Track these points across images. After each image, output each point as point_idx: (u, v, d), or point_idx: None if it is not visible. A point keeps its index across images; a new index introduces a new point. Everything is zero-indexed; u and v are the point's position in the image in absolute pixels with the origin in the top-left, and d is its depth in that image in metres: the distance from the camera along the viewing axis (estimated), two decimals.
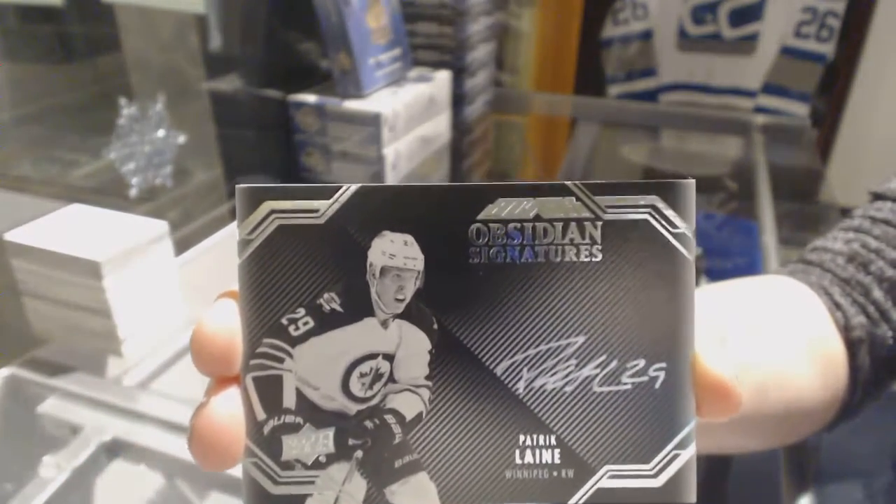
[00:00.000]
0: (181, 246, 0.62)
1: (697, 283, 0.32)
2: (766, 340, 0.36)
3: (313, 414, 0.18)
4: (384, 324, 0.18)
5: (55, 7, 0.61)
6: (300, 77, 0.88)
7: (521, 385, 0.18)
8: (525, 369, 0.18)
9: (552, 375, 0.18)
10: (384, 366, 0.18)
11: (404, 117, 0.84)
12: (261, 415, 0.18)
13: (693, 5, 1.55)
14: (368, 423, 0.18)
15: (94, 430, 0.47)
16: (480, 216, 0.18)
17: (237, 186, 0.17)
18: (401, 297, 0.18)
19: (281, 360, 0.18)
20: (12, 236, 0.49)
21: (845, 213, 0.46)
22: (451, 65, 0.99)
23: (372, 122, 0.79)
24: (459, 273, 0.18)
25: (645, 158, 1.28)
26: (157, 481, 0.49)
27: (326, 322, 0.18)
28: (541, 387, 0.18)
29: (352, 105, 0.79)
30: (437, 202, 0.17)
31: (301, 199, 0.17)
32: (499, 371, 0.18)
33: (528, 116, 1.40)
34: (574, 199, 0.18)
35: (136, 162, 0.63)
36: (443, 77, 0.95)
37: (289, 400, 0.18)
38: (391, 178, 0.84)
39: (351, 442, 0.18)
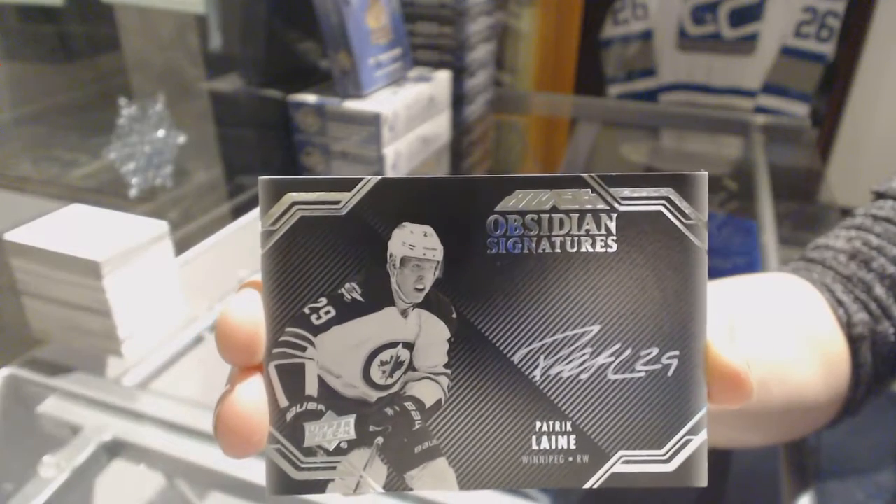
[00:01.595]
0: (181, 246, 0.62)
1: None
2: (769, 336, 0.36)
3: (335, 401, 0.18)
4: (404, 313, 0.18)
5: (55, 7, 0.61)
6: (300, 77, 0.88)
7: (537, 373, 0.18)
8: (542, 357, 0.18)
9: (568, 363, 0.18)
10: (404, 354, 0.18)
11: (404, 117, 0.84)
12: (283, 402, 0.18)
13: (693, 5, 1.55)
14: (389, 410, 0.18)
15: (93, 429, 0.47)
16: (498, 207, 0.18)
17: (260, 178, 0.18)
18: (420, 286, 0.18)
19: (303, 349, 0.18)
20: (12, 236, 0.49)
21: (845, 212, 0.46)
22: (451, 65, 0.99)
23: (372, 122, 0.79)
24: (478, 263, 0.18)
25: (645, 158, 1.28)
26: (156, 481, 0.49)
27: (348, 311, 0.18)
28: (557, 374, 0.18)
29: (352, 105, 0.79)
30: (455, 194, 0.18)
31: (323, 191, 0.18)
32: (516, 359, 0.18)
33: (528, 116, 1.40)
34: (590, 191, 0.18)
35: (136, 162, 0.63)
36: (443, 77, 0.95)
37: (311, 387, 0.18)
38: None
39: (372, 428, 0.18)
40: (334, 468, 0.18)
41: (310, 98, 0.81)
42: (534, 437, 0.18)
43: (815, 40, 1.51)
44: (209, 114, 0.76)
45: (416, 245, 0.18)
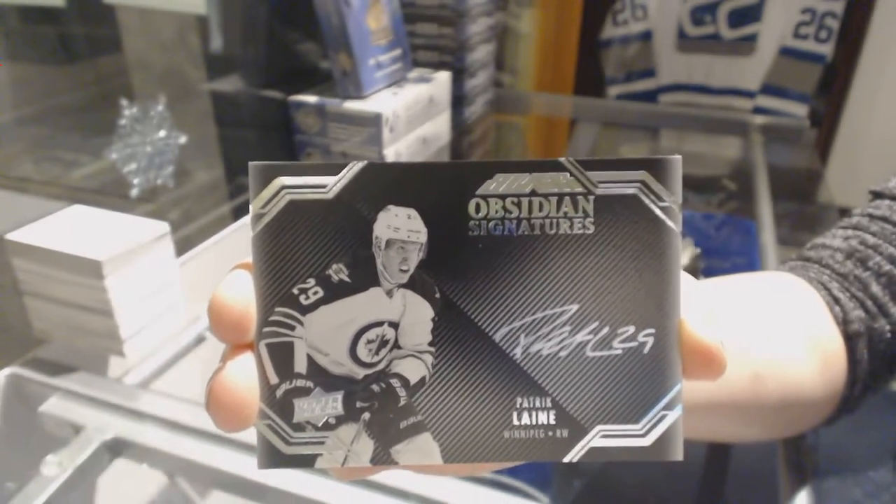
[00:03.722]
0: (182, 246, 0.63)
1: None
2: (765, 331, 0.36)
3: (323, 378, 0.19)
4: (389, 293, 0.19)
5: (56, 7, 0.61)
6: (301, 78, 0.88)
7: (518, 350, 0.19)
8: (522, 336, 0.19)
9: (548, 341, 0.19)
10: (389, 333, 0.19)
11: (404, 118, 0.84)
12: (273, 379, 0.19)
13: (692, 6, 1.56)
14: (375, 387, 0.19)
15: (95, 429, 0.47)
16: (479, 191, 0.18)
17: (250, 163, 0.19)
18: (405, 267, 0.19)
19: (292, 328, 0.19)
20: (14, 236, 0.49)
21: (843, 213, 0.46)
22: (451, 65, 0.99)
23: (372, 123, 0.79)
24: (460, 245, 0.18)
25: None
26: (158, 480, 0.50)
27: (335, 292, 0.19)
28: (537, 352, 0.19)
29: (352, 106, 0.80)
30: (439, 178, 0.18)
31: (310, 176, 0.18)
32: (497, 337, 0.19)
33: (528, 117, 1.40)
34: (568, 174, 0.18)
35: (137, 162, 0.63)
36: (443, 78, 0.95)
37: (300, 365, 0.19)
38: None
39: (359, 405, 0.19)
40: (323, 443, 0.19)
41: (310, 99, 0.82)
42: (515, 413, 0.19)
43: (814, 41, 1.51)
44: (210, 114, 0.77)
45: (400, 227, 0.18)
